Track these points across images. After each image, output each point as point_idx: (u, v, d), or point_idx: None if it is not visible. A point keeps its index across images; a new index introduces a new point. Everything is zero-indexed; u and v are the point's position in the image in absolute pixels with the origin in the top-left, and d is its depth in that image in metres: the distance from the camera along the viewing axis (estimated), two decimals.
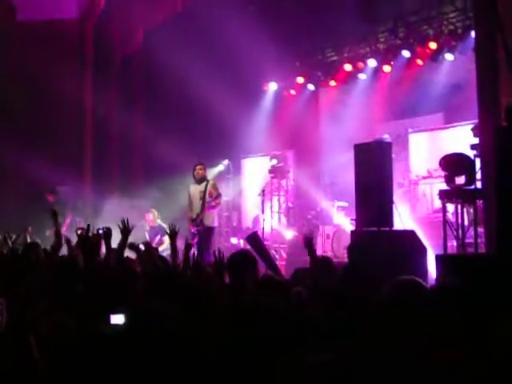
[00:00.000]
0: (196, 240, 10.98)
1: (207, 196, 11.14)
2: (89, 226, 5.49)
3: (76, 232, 7.96)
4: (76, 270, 5.13)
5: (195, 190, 11.37)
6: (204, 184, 11.28)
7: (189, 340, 3.25)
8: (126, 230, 5.89)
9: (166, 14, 15.05)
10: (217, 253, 5.03)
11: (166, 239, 12.29)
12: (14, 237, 8.17)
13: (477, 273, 5.05)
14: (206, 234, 11.03)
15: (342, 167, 12.70)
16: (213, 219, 11.28)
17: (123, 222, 5.93)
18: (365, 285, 4.55)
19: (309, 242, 5.73)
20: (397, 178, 13.43)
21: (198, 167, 11.41)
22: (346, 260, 10.89)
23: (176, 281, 4.76)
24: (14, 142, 14.30)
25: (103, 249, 5.96)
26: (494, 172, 6.11)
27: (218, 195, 11.34)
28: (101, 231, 6.41)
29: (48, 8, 15.85)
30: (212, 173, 15.89)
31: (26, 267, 5.77)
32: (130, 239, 6.22)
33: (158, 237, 12.67)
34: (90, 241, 5.29)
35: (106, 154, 16.17)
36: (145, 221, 13.34)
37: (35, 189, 14.14)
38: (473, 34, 10.27)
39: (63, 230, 12.30)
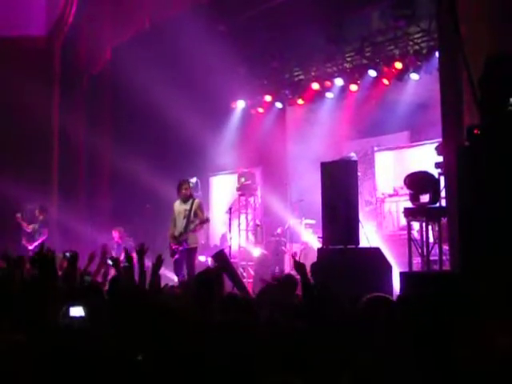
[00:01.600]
0: (176, 257, 10.92)
1: (192, 215, 11.08)
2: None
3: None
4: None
5: (180, 207, 11.21)
6: (190, 202, 11.12)
7: (153, 359, 3.27)
8: (142, 252, 5.91)
9: (134, 31, 15.04)
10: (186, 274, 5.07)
11: (134, 256, 12.26)
12: None
13: (439, 290, 5.12)
14: (189, 253, 10.93)
15: (310, 185, 12.77)
16: (196, 239, 11.22)
17: (140, 245, 5.96)
18: (328, 302, 4.59)
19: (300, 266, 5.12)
20: (364, 195, 13.59)
21: (183, 186, 11.23)
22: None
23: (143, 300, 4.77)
24: None
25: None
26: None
27: (206, 220, 11.26)
28: (67, 254, 6.45)
29: (15, 24, 15.76)
30: None
31: None
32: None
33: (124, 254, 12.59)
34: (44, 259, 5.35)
35: (73, 172, 16.06)
36: (112, 238, 13.32)
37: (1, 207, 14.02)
38: (437, 54, 10.44)
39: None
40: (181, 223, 11.05)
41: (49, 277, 5.25)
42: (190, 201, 11.17)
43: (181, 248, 10.90)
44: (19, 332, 3.62)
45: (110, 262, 6.88)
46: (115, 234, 13.20)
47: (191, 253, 10.98)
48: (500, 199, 5.51)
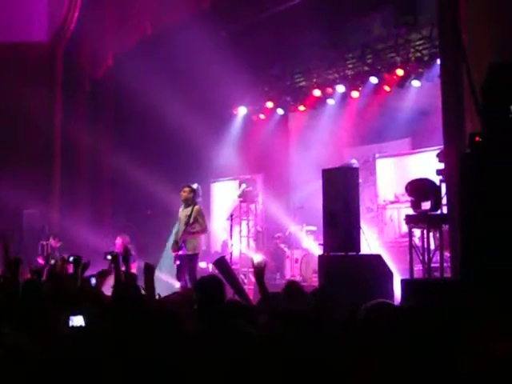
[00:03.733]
0: (177, 263, 10.93)
1: (191, 220, 11.06)
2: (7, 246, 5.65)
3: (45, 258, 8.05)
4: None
5: (182, 213, 11.24)
6: (190, 208, 11.14)
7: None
8: (149, 270, 5.87)
9: (136, 37, 15.05)
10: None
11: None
12: None
13: (440, 297, 5.12)
14: (189, 260, 10.91)
15: (311, 191, 12.78)
16: (194, 246, 11.04)
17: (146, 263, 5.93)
18: (333, 309, 4.59)
19: (259, 273, 5.66)
20: (366, 202, 13.57)
21: (182, 189, 11.29)
22: (315, 284, 10.97)
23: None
24: None
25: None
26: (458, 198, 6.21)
27: (204, 229, 11.28)
28: (71, 258, 6.47)
29: (18, 30, 15.81)
30: None
31: None
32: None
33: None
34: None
35: (75, 178, 16.06)
36: (114, 245, 13.28)
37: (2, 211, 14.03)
38: (439, 61, 10.45)
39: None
40: (181, 228, 11.06)
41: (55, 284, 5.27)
42: (191, 206, 11.16)
43: (180, 253, 10.90)
44: (21, 336, 3.63)
45: (108, 257, 6.88)
46: (118, 241, 13.17)
47: (192, 259, 10.94)
48: (501, 207, 5.51)
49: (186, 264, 10.87)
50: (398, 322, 3.31)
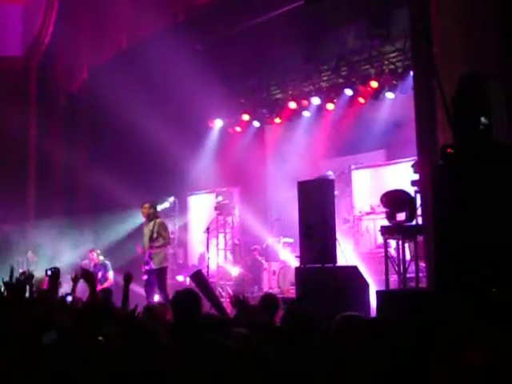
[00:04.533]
0: (145, 278, 10.96)
1: (155, 235, 11.09)
2: (12, 269, 5.60)
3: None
4: None
5: (146, 228, 11.41)
6: (152, 222, 11.24)
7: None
8: (128, 280, 5.99)
9: (111, 50, 15.03)
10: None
11: (110, 276, 12.39)
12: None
13: (415, 308, 5.15)
14: (158, 275, 11.00)
15: (288, 203, 12.78)
16: (161, 260, 11.16)
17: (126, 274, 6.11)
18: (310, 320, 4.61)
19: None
20: (342, 213, 13.64)
21: (142, 206, 11.41)
22: (292, 296, 10.98)
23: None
24: None
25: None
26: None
27: (165, 244, 11.31)
28: (49, 272, 6.44)
29: None
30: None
31: None
32: None
33: (101, 273, 12.60)
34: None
35: (50, 192, 15.96)
36: (89, 259, 13.29)
37: None
38: (412, 73, 10.54)
39: None
40: (146, 244, 11.21)
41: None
42: (153, 221, 11.25)
43: (147, 267, 10.94)
44: None
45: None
46: (92, 255, 13.20)
47: (160, 274, 11.03)
48: (474, 217, 5.57)
49: (156, 279, 10.95)
50: (371, 333, 3.34)
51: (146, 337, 4.16)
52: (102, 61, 15.10)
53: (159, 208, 11.81)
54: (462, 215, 5.65)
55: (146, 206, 11.37)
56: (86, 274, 6.06)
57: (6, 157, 15.29)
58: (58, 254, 13.92)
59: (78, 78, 15.95)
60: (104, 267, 12.70)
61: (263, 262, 14.15)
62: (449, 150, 5.80)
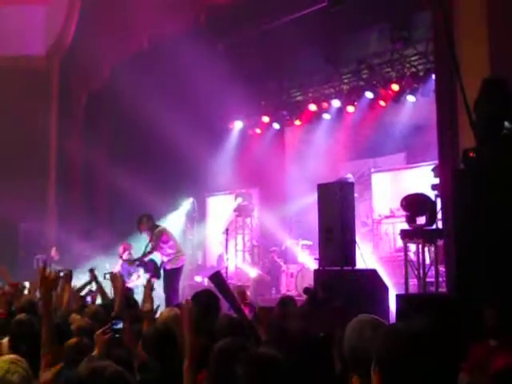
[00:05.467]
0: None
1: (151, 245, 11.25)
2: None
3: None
4: None
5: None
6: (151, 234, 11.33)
7: None
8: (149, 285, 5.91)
9: (133, 50, 15.07)
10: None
11: (142, 275, 12.34)
12: None
13: (435, 312, 5.11)
14: (165, 277, 11.14)
15: (307, 206, 12.77)
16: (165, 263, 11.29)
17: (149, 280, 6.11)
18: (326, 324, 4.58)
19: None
20: (361, 217, 13.58)
21: (140, 223, 11.40)
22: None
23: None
24: None
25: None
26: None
27: (149, 252, 11.36)
28: (62, 273, 6.45)
29: (14, 44, 15.82)
30: (177, 212, 15.93)
31: None
32: None
33: (133, 272, 12.69)
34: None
35: (71, 191, 16.02)
36: (118, 255, 13.23)
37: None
38: (434, 76, 10.49)
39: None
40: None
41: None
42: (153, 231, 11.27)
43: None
44: None
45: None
46: (120, 249, 13.20)
47: (166, 275, 11.13)
48: (494, 221, 5.52)
49: (165, 281, 11.10)
50: (388, 339, 3.30)
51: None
52: (124, 60, 15.15)
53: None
54: (482, 220, 5.61)
55: (144, 220, 11.31)
56: (113, 278, 5.97)
57: (28, 155, 15.35)
58: (78, 251, 13.95)
59: (100, 76, 16.00)
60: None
61: (281, 263, 14.13)
62: (471, 154, 5.76)
